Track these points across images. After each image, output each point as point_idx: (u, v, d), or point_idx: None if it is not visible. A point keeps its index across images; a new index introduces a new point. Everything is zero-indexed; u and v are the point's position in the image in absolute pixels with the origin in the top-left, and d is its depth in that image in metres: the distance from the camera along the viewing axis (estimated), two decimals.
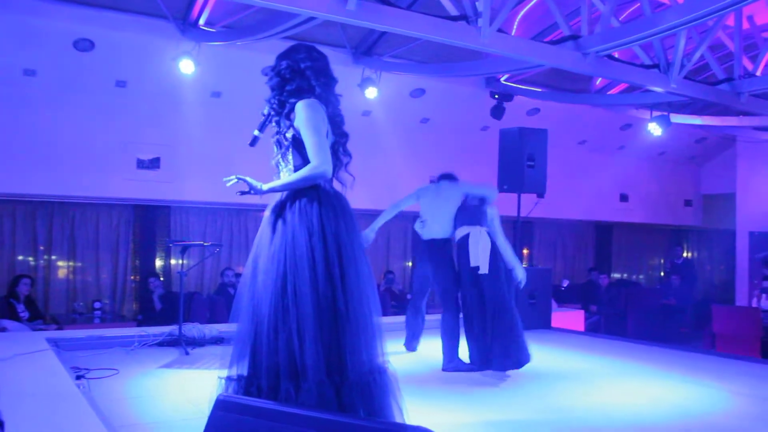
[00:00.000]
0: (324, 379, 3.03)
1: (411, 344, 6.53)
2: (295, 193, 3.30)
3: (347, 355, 3.10)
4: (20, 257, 9.30)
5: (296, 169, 3.33)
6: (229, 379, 3.23)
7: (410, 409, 3.31)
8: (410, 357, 6.38)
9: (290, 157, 3.36)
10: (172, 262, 10.20)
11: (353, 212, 3.39)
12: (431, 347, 6.39)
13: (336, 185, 3.46)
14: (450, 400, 4.86)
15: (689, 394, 5.13)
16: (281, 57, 3.47)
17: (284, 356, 3.08)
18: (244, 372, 3.21)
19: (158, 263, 10.22)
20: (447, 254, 6.04)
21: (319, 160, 3.22)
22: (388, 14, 5.27)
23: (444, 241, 6.06)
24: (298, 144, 3.33)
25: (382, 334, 3.29)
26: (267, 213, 3.40)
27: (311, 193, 3.28)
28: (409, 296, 11.32)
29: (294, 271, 3.14)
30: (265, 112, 3.48)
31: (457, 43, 5.71)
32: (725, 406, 4.83)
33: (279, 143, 3.40)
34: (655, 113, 9.65)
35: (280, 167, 3.44)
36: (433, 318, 6.75)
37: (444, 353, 5.87)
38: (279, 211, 3.33)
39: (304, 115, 3.27)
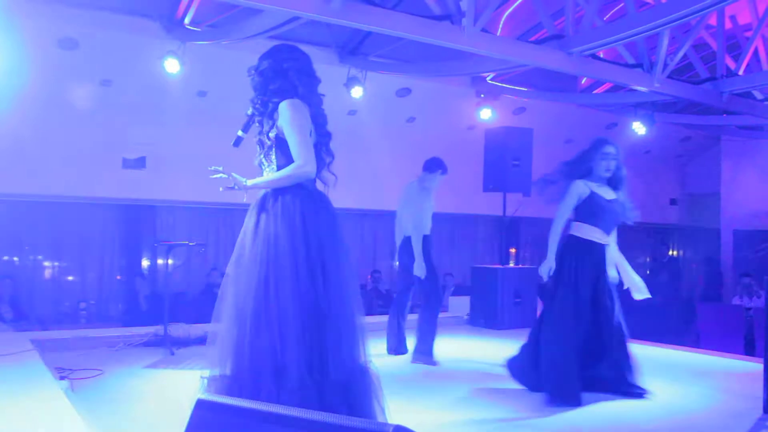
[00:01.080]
0: (306, 379, 3.05)
1: (398, 347, 6.45)
2: (278, 193, 3.31)
3: (329, 355, 3.11)
4: (5, 257, 9.25)
5: (279, 168, 3.34)
6: (211, 378, 3.23)
7: (393, 408, 3.32)
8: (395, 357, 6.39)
9: (273, 156, 3.37)
10: (159, 261, 10.16)
11: (336, 212, 3.40)
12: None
13: (319, 185, 3.47)
14: (433, 400, 4.86)
15: (674, 392, 5.16)
16: (264, 57, 3.48)
17: (266, 356, 3.09)
18: (227, 371, 3.22)
19: (144, 263, 10.18)
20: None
21: (303, 160, 3.23)
22: (371, 14, 5.27)
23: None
24: (281, 144, 3.34)
25: (365, 334, 3.31)
26: (250, 213, 3.41)
27: (294, 194, 3.29)
28: (395, 295, 11.35)
29: (276, 271, 3.15)
30: (249, 112, 3.49)
31: (440, 43, 5.72)
32: (708, 404, 4.87)
33: (261, 143, 3.41)
34: (640, 112, 9.69)
35: (263, 167, 3.45)
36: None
37: (418, 345, 6.03)
38: (261, 211, 3.34)
39: (287, 114, 3.28)
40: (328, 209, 3.34)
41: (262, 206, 3.36)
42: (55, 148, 8.82)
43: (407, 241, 6.21)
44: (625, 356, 4.98)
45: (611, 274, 5.04)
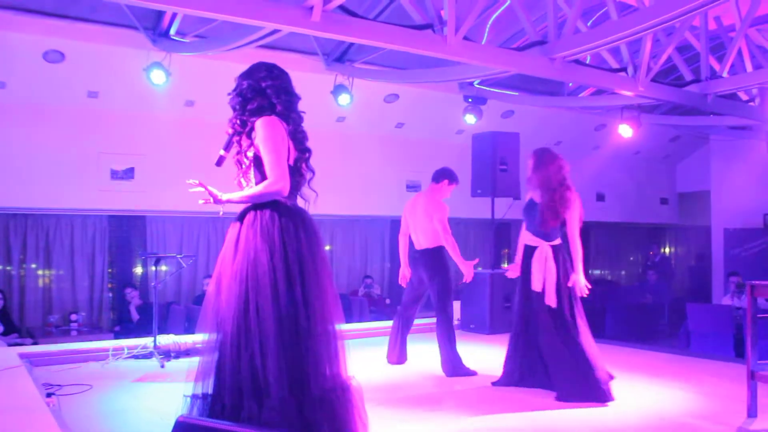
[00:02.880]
0: (287, 396, 3.06)
1: (399, 357, 6.41)
2: (257, 210, 3.32)
3: (310, 372, 3.12)
4: None
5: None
6: (194, 397, 3.25)
7: (379, 420, 3.33)
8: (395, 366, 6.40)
9: (252, 175, 3.38)
10: (151, 268, 10.16)
11: (317, 228, 3.41)
12: (414, 354, 6.50)
13: (300, 202, 3.49)
14: (421, 410, 4.86)
15: (656, 396, 5.19)
16: (242, 77, 3.48)
17: (247, 374, 3.10)
18: (209, 390, 3.22)
19: (135, 273, 10.18)
20: (440, 262, 6.07)
21: (275, 178, 3.25)
22: (352, 25, 5.28)
23: (434, 250, 6.09)
24: (259, 162, 3.35)
25: (346, 349, 3.31)
26: (230, 230, 3.42)
27: (273, 211, 3.30)
28: (388, 301, 11.37)
29: (256, 289, 3.16)
30: (229, 131, 3.49)
31: (422, 53, 5.74)
32: (687, 407, 4.90)
33: (239, 162, 3.41)
34: (626, 114, 9.72)
35: (243, 185, 3.46)
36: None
37: (447, 360, 5.93)
38: (241, 227, 3.35)
39: (262, 133, 3.29)
40: (308, 226, 3.35)
41: (242, 222, 3.37)
42: (43, 160, 8.82)
43: (421, 253, 6.13)
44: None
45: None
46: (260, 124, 3.31)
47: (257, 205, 3.34)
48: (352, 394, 3.24)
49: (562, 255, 5.21)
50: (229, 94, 3.53)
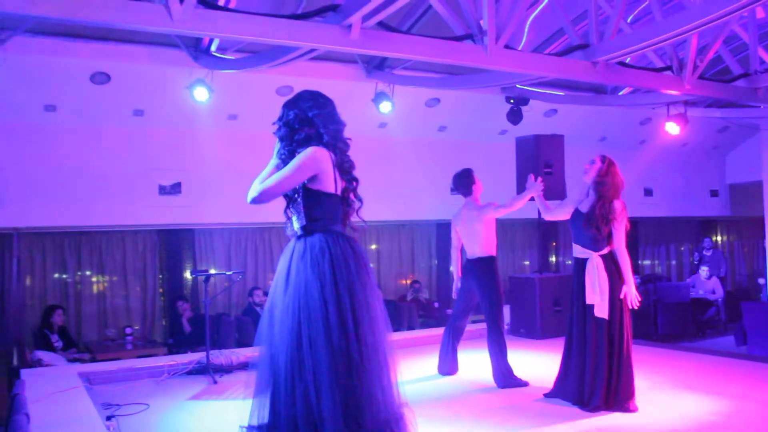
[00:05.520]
0: (342, 429, 3.07)
1: (450, 367, 6.40)
2: (307, 240, 3.34)
3: (364, 404, 3.14)
4: (52, 288, 9.50)
5: (307, 217, 3.37)
6: (250, 428, 3.29)
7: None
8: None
9: (301, 206, 3.40)
10: (201, 279, 10.33)
11: (366, 257, 3.43)
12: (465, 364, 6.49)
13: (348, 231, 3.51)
14: (474, 425, 4.85)
15: (717, 408, 5.05)
16: (288, 106, 3.49)
17: (302, 407, 3.13)
18: (265, 420, 3.26)
19: (186, 284, 10.35)
20: (490, 272, 6.05)
21: (263, 188, 3.30)
22: (392, 40, 5.26)
23: (486, 259, 6.08)
24: (308, 192, 3.36)
25: (399, 377, 3.32)
26: (281, 262, 3.45)
27: (323, 242, 3.32)
28: (436, 304, 11.34)
29: (308, 322, 3.19)
30: (276, 162, 3.48)
31: (463, 64, 5.69)
32: (746, 419, 4.76)
33: (285, 196, 3.43)
34: (672, 111, 9.49)
35: (290, 214, 3.49)
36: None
37: (498, 371, 5.92)
38: (292, 258, 3.38)
39: (299, 156, 3.32)
40: (358, 256, 3.36)
41: (293, 253, 3.39)
42: (93, 179, 9.02)
43: (473, 263, 6.12)
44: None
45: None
46: (304, 151, 3.33)
47: (307, 233, 3.36)
48: (405, 425, 3.24)
49: (611, 264, 5.18)
50: (274, 123, 3.55)
